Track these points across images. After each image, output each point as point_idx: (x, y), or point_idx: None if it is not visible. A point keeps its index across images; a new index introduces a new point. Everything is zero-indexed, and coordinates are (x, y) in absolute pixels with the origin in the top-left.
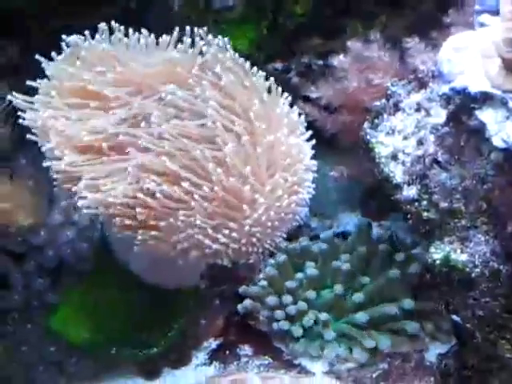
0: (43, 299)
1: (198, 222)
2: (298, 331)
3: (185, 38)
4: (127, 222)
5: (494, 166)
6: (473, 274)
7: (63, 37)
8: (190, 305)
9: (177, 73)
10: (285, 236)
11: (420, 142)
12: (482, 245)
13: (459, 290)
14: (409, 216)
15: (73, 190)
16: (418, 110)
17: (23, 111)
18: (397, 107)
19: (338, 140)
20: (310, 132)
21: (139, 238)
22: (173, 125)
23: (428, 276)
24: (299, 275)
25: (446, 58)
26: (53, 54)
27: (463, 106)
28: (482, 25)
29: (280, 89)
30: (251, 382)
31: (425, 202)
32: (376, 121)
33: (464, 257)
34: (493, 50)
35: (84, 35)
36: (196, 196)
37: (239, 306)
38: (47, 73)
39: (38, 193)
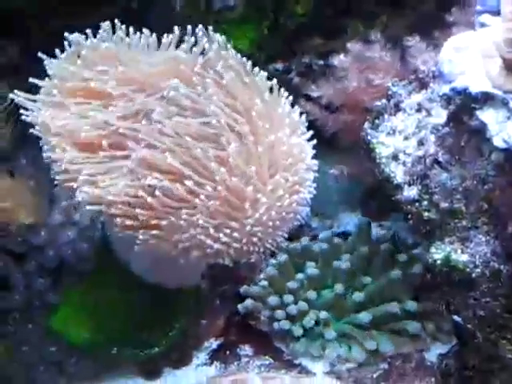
0: (44, 299)
1: (200, 221)
2: (298, 331)
3: (186, 38)
4: (128, 221)
5: (494, 166)
6: (473, 275)
7: (65, 34)
8: (190, 305)
9: (180, 71)
10: (286, 236)
11: (421, 143)
12: (482, 245)
13: (460, 291)
14: (409, 216)
15: (74, 186)
16: (418, 110)
17: (24, 110)
18: (397, 107)
19: (339, 139)
20: (311, 132)
21: (140, 237)
22: (175, 122)
23: (429, 276)
24: (300, 275)
25: (446, 58)
26: (57, 51)
27: (464, 106)
28: (482, 25)
29: (281, 89)
30: (252, 382)
31: (425, 203)
32: (377, 121)
33: (465, 257)
34: (494, 50)
35: (86, 34)
36: (202, 196)
37: (240, 306)
38: (49, 71)
39: (39, 192)
